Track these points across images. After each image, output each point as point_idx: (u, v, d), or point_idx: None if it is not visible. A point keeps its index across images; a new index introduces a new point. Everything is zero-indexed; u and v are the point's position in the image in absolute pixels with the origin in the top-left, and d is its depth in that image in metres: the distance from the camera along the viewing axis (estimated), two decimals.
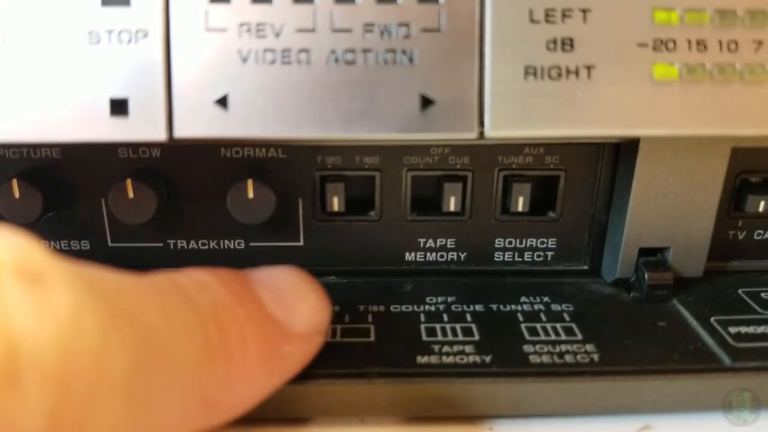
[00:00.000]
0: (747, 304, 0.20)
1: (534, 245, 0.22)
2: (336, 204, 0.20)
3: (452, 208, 0.21)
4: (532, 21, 0.16)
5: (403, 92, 0.16)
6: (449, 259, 0.22)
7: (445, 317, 0.19)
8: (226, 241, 0.21)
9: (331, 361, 0.17)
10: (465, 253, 0.22)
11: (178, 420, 0.12)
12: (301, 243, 0.21)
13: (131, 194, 0.19)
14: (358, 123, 0.16)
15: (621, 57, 0.16)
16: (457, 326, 0.18)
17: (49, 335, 0.09)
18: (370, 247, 0.21)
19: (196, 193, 0.20)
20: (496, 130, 0.16)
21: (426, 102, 0.16)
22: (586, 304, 0.20)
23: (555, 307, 0.20)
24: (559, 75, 0.16)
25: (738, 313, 0.19)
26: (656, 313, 0.19)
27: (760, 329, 0.19)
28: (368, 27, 0.16)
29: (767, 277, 0.22)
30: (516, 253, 0.22)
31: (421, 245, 0.22)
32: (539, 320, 0.19)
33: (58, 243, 0.21)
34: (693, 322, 0.19)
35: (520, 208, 0.21)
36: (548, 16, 0.16)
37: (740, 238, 0.22)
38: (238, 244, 0.21)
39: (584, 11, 0.16)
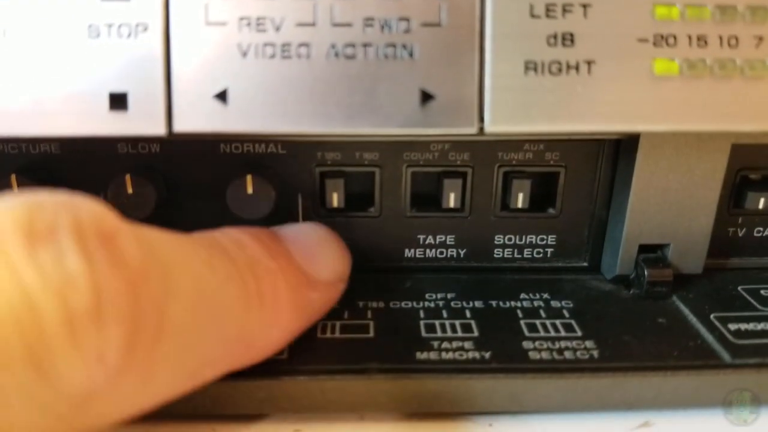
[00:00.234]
0: (747, 301, 0.20)
1: (534, 242, 0.22)
2: (335, 200, 0.20)
3: (452, 204, 0.21)
4: (533, 16, 0.16)
5: (403, 87, 0.16)
6: (449, 255, 0.22)
7: (445, 313, 0.19)
8: None
9: (330, 357, 0.17)
10: (465, 250, 0.22)
11: (220, 356, 0.14)
12: None
13: (130, 189, 0.19)
14: (358, 117, 0.16)
15: (621, 52, 0.16)
16: (457, 322, 0.18)
17: (122, 282, 0.11)
18: (370, 243, 0.21)
19: (195, 188, 0.20)
20: (496, 125, 0.16)
21: (426, 97, 0.16)
22: (585, 301, 0.20)
23: (555, 303, 0.20)
24: (560, 70, 0.16)
25: (738, 309, 0.19)
26: (656, 309, 0.19)
27: (760, 326, 0.18)
28: (368, 21, 0.16)
29: (767, 274, 0.22)
30: (516, 250, 0.22)
31: (421, 241, 0.22)
32: (539, 317, 0.19)
33: None
34: (693, 318, 0.19)
35: (519, 205, 0.21)
36: (549, 11, 0.16)
37: (740, 235, 0.22)
38: None
39: (585, 6, 0.16)
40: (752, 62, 0.16)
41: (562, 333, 0.18)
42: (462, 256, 0.22)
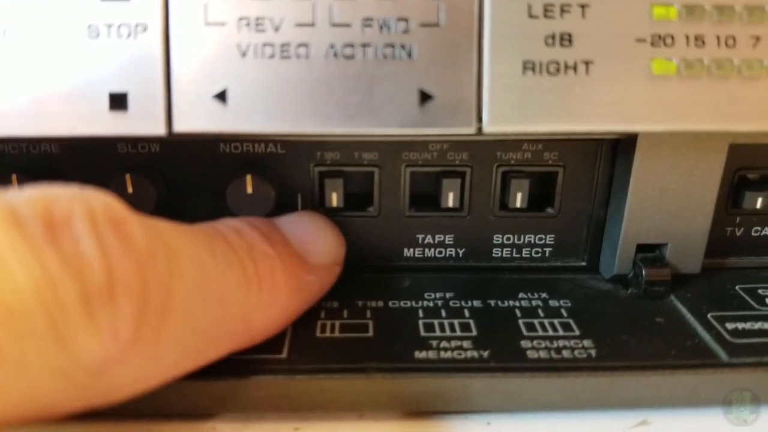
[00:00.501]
0: (744, 300, 0.20)
1: (532, 241, 0.22)
2: (335, 200, 0.20)
3: (451, 204, 0.21)
4: (531, 16, 0.16)
5: (402, 87, 0.16)
6: (447, 254, 0.22)
7: (444, 313, 0.19)
8: None
9: (329, 357, 0.17)
10: (463, 249, 0.22)
11: (223, 336, 0.15)
12: None
13: (130, 189, 0.19)
14: (357, 117, 0.16)
15: (619, 52, 0.16)
16: (455, 322, 0.19)
17: (131, 263, 0.12)
18: (369, 243, 0.21)
19: (195, 188, 0.21)
20: (494, 125, 0.16)
21: (425, 97, 0.16)
22: (583, 300, 0.20)
23: (553, 302, 0.20)
24: (558, 70, 0.16)
25: (735, 309, 0.19)
26: (654, 309, 0.19)
27: (757, 325, 0.19)
28: (367, 21, 0.16)
29: (764, 274, 0.22)
30: (514, 249, 0.22)
31: (420, 241, 0.22)
32: (537, 316, 0.19)
33: None
34: (690, 318, 0.19)
35: (518, 204, 0.21)
36: (547, 11, 0.16)
37: (738, 234, 0.22)
38: None
39: (583, 6, 0.16)
40: (750, 62, 0.16)
41: (560, 332, 0.18)
42: (461, 255, 0.22)
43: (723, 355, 0.17)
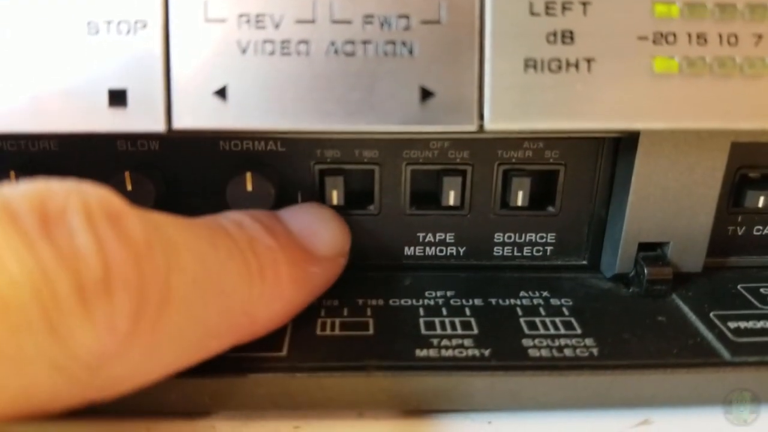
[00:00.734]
0: (746, 299, 0.20)
1: (533, 240, 0.22)
2: (335, 197, 0.20)
3: (451, 202, 0.21)
4: (533, 13, 0.16)
5: (403, 84, 0.16)
6: (448, 253, 0.22)
7: (444, 311, 0.19)
8: None
9: (329, 355, 0.17)
10: (464, 248, 0.22)
11: (225, 328, 0.15)
12: None
13: (130, 186, 0.19)
14: (358, 115, 0.16)
15: (621, 50, 0.16)
16: (456, 320, 0.18)
17: (128, 255, 0.12)
18: (369, 241, 0.21)
19: (194, 185, 0.20)
20: (495, 122, 0.16)
21: (426, 94, 0.16)
22: (585, 299, 0.20)
23: (554, 301, 0.20)
24: (559, 68, 0.16)
25: (737, 308, 0.19)
26: (655, 307, 0.19)
27: (760, 324, 0.18)
28: (368, 18, 0.16)
29: (766, 273, 0.22)
30: (515, 248, 0.22)
31: (421, 239, 0.22)
32: (538, 314, 0.19)
33: None
34: (692, 316, 0.19)
35: (519, 203, 0.21)
36: (548, 8, 0.16)
37: (740, 233, 0.22)
38: None
39: (584, 4, 0.16)
40: (752, 60, 0.16)
41: (562, 331, 0.18)
42: (461, 254, 0.22)
43: (726, 354, 0.17)
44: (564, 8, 0.16)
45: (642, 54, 0.16)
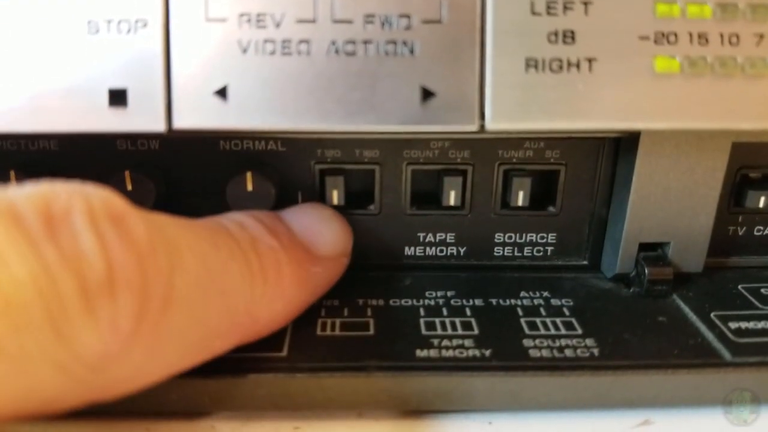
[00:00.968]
0: (747, 299, 0.20)
1: (534, 240, 0.22)
2: (335, 197, 0.20)
3: (452, 202, 0.21)
4: (534, 13, 0.16)
5: (404, 84, 0.16)
6: (449, 253, 0.22)
7: (445, 311, 0.19)
8: None
9: (329, 355, 0.17)
10: (465, 248, 0.22)
11: (228, 329, 0.15)
12: None
13: (130, 186, 0.19)
14: (358, 115, 0.16)
15: (622, 50, 0.16)
16: (457, 320, 0.18)
17: (131, 256, 0.12)
18: (370, 241, 0.21)
19: (195, 185, 0.20)
20: (496, 122, 0.16)
21: (427, 94, 0.16)
22: (585, 299, 0.20)
23: (555, 301, 0.20)
24: (561, 68, 0.16)
25: (738, 308, 0.19)
26: (656, 308, 0.19)
27: (760, 324, 0.18)
28: (369, 18, 0.16)
29: (767, 273, 0.22)
30: (516, 248, 0.22)
31: (421, 239, 0.22)
32: (539, 315, 0.19)
33: None
34: (693, 317, 0.19)
35: (520, 203, 0.21)
36: (549, 8, 0.16)
37: (740, 233, 0.22)
38: None
39: (586, 3, 0.16)
40: (753, 60, 0.16)
41: (563, 331, 0.18)
42: (462, 254, 0.22)
43: (726, 355, 0.17)
44: (565, 8, 0.16)
45: (643, 54, 0.16)
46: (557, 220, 0.21)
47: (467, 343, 0.17)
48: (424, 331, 0.18)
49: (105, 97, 0.16)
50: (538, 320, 0.19)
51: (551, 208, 0.21)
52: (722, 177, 0.19)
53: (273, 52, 0.16)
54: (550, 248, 0.22)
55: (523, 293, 0.20)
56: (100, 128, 0.16)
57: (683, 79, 0.16)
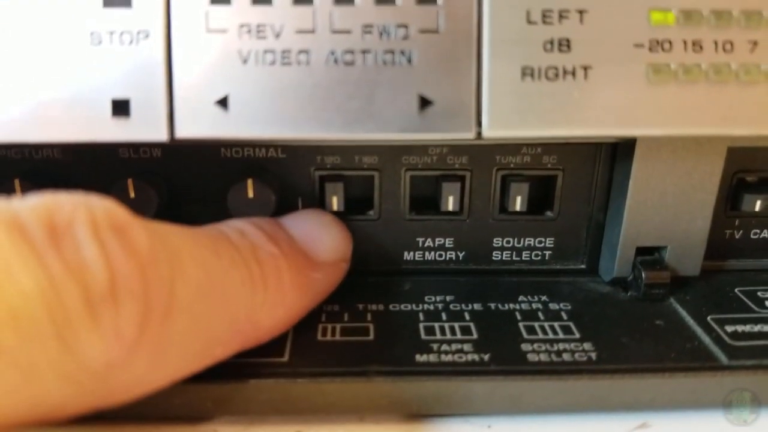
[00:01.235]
0: (744, 303, 0.20)
1: (532, 244, 0.22)
2: (335, 203, 0.21)
3: (450, 207, 0.21)
4: (530, 22, 0.16)
5: (402, 93, 0.16)
6: (448, 258, 0.22)
7: (444, 316, 0.19)
8: None
9: (330, 360, 0.17)
10: (463, 253, 0.22)
11: (229, 336, 0.15)
12: None
13: (132, 194, 0.19)
14: (357, 123, 0.16)
15: (617, 57, 0.16)
16: (456, 325, 0.19)
17: (133, 265, 0.12)
18: (369, 247, 0.22)
19: (196, 192, 0.21)
20: (493, 130, 0.16)
21: (424, 102, 0.16)
22: (583, 303, 0.20)
23: (553, 305, 0.20)
24: (556, 75, 0.16)
25: (735, 311, 0.20)
26: (653, 311, 0.20)
27: (757, 328, 0.19)
28: (367, 28, 0.16)
29: (764, 276, 0.22)
30: (514, 253, 0.22)
31: (420, 244, 0.22)
32: (537, 319, 0.19)
33: None
34: (690, 320, 0.19)
35: (518, 208, 0.21)
36: (545, 17, 0.16)
37: (737, 237, 0.22)
38: None
39: (581, 12, 0.16)
40: (747, 67, 0.16)
41: (561, 335, 0.18)
42: (461, 258, 0.22)
43: (723, 358, 0.17)
44: (561, 17, 0.16)
45: (638, 61, 0.16)
46: (555, 225, 0.22)
47: (466, 347, 0.17)
48: (423, 336, 0.18)
49: (108, 108, 0.16)
50: (536, 324, 0.19)
51: (549, 213, 0.22)
52: (718, 181, 0.20)
53: (273, 62, 0.16)
54: (548, 253, 0.22)
55: (521, 297, 0.20)
56: (103, 138, 0.16)
57: (678, 86, 0.16)
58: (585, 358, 0.17)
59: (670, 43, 0.16)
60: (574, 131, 0.16)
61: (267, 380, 0.16)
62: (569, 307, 0.20)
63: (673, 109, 0.16)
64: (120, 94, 0.16)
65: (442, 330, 0.18)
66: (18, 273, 0.11)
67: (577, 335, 0.18)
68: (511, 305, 0.20)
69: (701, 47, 0.16)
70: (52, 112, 0.16)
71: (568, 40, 0.16)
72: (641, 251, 0.20)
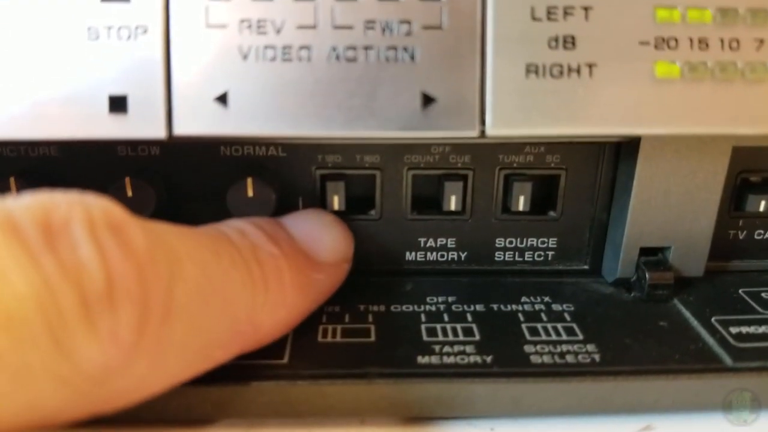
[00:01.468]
0: (748, 304, 0.20)
1: (535, 245, 0.22)
2: (336, 203, 0.20)
3: (453, 207, 0.21)
4: (534, 19, 0.16)
5: (405, 90, 0.16)
6: (450, 258, 0.22)
7: (446, 317, 0.19)
8: None
9: (331, 362, 0.17)
10: (465, 253, 0.22)
11: (230, 338, 0.15)
12: None
13: (130, 192, 0.19)
14: (359, 121, 0.16)
15: (623, 55, 0.16)
16: (458, 326, 0.18)
17: (131, 266, 0.12)
18: (371, 247, 0.21)
19: (195, 191, 0.20)
20: (497, 128, 0.16)
21: (427, 100, 0.16)
22: (587, 304, 0.20)
23: (556, 306, 0.20)
24: (561, 73, 0.16)
25: (739, 313, 0.19)
26: (657, 312, 0.19)
27: (761, 329, 0.18)
28: (369, 24, 0.16)
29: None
30: (517, 253, 0.22)
31: (422, 244, 0.22)
32: (540, 320, 0.19)
33: None
34: (694, 321, 0.19)
35: (520, 208, 0.21)
36: (550, 13, 0.16)
37: (741, 237, 0.22)
38: None
39: (586, 9, 0.16)
40: (753, 65, 0.16)
41: (564, 336, 0.18)
42: (463, 259, 0.22)
43: (727, 360, 0.17)
44: (566, 13, 0.16)
45: (643, 59, 0.16)
46: (558, 225, 0.21)
47: (468, 349, 0.17)
48: (425, 338, 0.18)
49: (105, 104, 0.15)
50: (539, 326, 0.18)
51: (552, 213, 0.21)
52: (723, 181, 0.19)
53: (274, 59, 0.16)
54: (551, 253, 0.22)
55: (524, 298, 0.20)
56: (100, 135, 0.16)
57: (683, 84, 0.16)
58: (588, 360, 0.17)
59: (676, 40, 0.16)
60: (578, 129, 0.16)
61: (267, 382, 0.16)
62: (572, 308, 0.20)
63: (679, 108, 0.16)
64: (117, 91, 0.15)
65: (444, 331, 0.18)
66: (11, 274, 0.11)
67: (581, 337, 0.18)
68: (514, 306, 0.20)
69: (707, 45, 0.16)
70: (48, 109, 0.16)
71: (573, 37, 0.16)
72: (645, 252, 0.20)
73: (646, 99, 0.16)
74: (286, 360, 0.17)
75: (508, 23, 0.16)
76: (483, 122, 0.16)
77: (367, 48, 0.16)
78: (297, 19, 0.15)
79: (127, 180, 0.19)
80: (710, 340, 0.18)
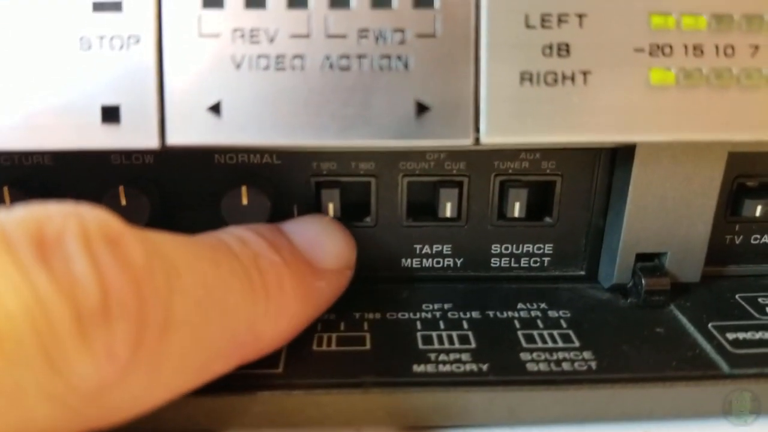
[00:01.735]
0: (745, 309, 0.20)
1: (531, 251, 0.22)
2: (331, 210, 0.20)
3: (448, 213, 0.21)
4: (528, 26, 0.16)
5: (398, 98, 0.16)
6: (445, 265, 0.22)
7: (442, 324, 0.19)
8: None
9: (326, 371, 0.17)
10: (461, 259, 0.22)
11: (230, 349, 0.15)
12: None
13: (124, 201, 0.19)
14: (353, 129, 0.16)
15: (617, 62, 0.16)
16: (454, 334, 0.18)
17: (127, 281, 0.12)
18: (366, 254, 0.21)
19: (189, 199, 0.20)
20: (491, 136, 0.16)
21: (421, 108, 0.16)
22: (583, 311, 0.20)
23: (552, 313, 0.20)
24: (555, 80, 0.16)
25: (736, 318, 0.19)
26: (654, 318, 0.19)
27: (758, 335, 0.18)
28: (363, 32, 0.15)
29: (765, 282, 0.22)
30: (513, 259, 0.22)
31: (418, 251, 0.22)
32: (536, 327, 0.19)
33: None
34: (691, 328, 0.19)
35: (516, 214, 0.21)
36: (544, 21, 0.16)
37: (737, 242, 0.22)
38: None
39: (580, 16, 0.16)
40: (748, 71, 0.16)
41: (560, 344, 0.18)
42: (459, 265, 0.22)
43: (724, 366, 0.17)
44: (560, 21, 0.16)
45: (638, 66, 0.16)
46: (554, 231, 0.21)
47: (464, 357, 0.17)
48: (421, 345, 0.18)
49: (98, 114, 0.15)
50: (535, 333, 0.18)
51: (548, 219, 0.21)
52: (719, 186, 0.19)
53: (267, 68, 0.16)
54: (547, 259, 0.22)
55: (520, 305, 0.20)
56: (93, 145, 0.16)
57: (678, 90, 0.16)
58: (585, 368, 0.17)
59: (671, 47, 0.16)
60: (573, 137, 0.16)
61: (261, 392, 0.16)
62: (568, 315, 0.19)
63: (674, 114, 0.16)
64: (110, 101, 0.15)
65: (440, 339, 0.18)
66: (3, 293, 0.11)
67: (577, 344, 0.18)
68: (510, 313, 0.20)
69: (702, 51, 0.16)
70: (41, 119, 0.15)
71: (567, 45, 0.16)
72: (641, 257, 0.20)
73: (641, 106, 0.16)
74: (281, 369, 0.17)
75: (502, 31, 0.16)
76: (477, 130, 0.16)
77: (360, 57, 0.16)
78: (290, 28, 0.15)
79: (121, 189, 0.19)
80: (707, 347, 0.18)
